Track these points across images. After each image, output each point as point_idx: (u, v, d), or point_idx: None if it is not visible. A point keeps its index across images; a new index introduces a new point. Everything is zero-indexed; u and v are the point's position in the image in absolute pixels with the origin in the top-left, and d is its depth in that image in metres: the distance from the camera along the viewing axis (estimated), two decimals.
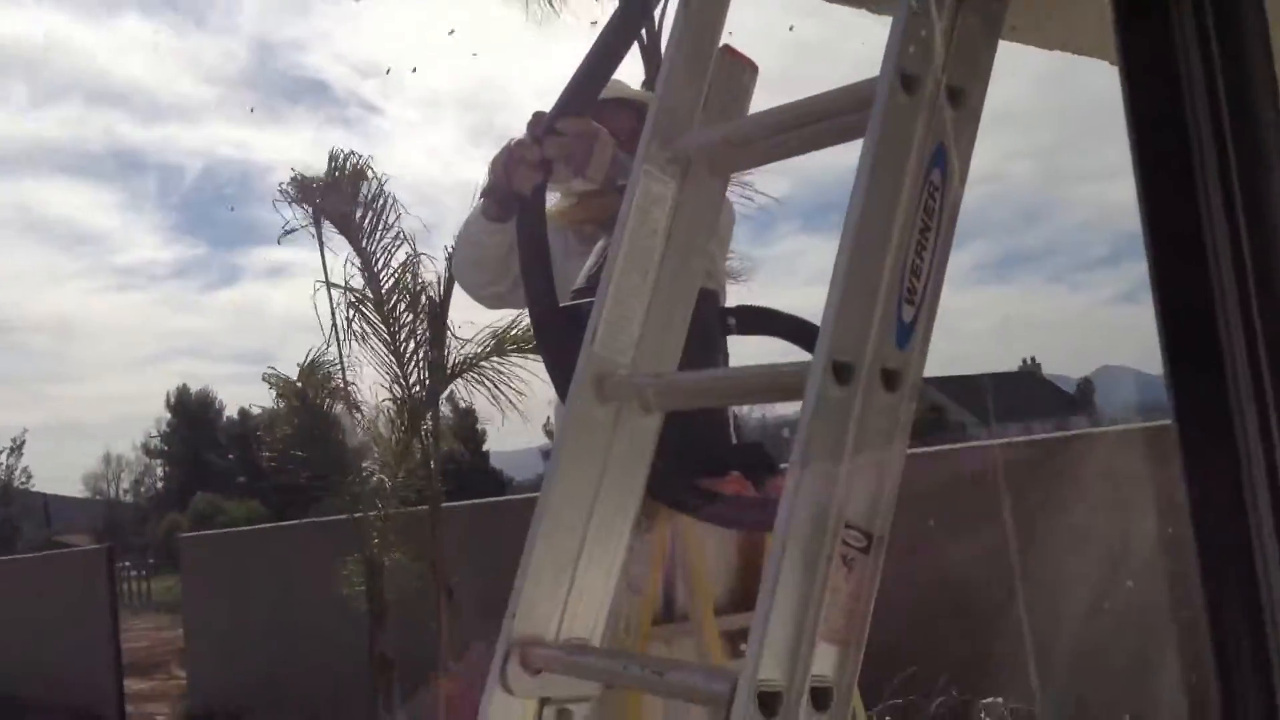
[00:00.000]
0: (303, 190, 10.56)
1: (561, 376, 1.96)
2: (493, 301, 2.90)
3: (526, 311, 2.74)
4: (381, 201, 10.47)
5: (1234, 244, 0.56)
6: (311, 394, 10.84)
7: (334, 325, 10.38)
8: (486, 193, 2.53)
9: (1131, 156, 0.59)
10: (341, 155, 10.60)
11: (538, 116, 2.29)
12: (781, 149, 1.62)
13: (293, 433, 11.07)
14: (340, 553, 10.65)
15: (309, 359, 10.64)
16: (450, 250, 10.83)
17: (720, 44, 1.73)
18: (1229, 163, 0.57)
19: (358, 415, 11.09)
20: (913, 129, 1.31)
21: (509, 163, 2.27)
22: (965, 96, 1.37)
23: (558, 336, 2.08)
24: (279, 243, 10.53)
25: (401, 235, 10.38)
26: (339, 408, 11.09)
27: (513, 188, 2.26)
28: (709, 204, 1.67)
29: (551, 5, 12.61)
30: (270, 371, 10.95)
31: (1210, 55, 0.58)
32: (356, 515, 10.42)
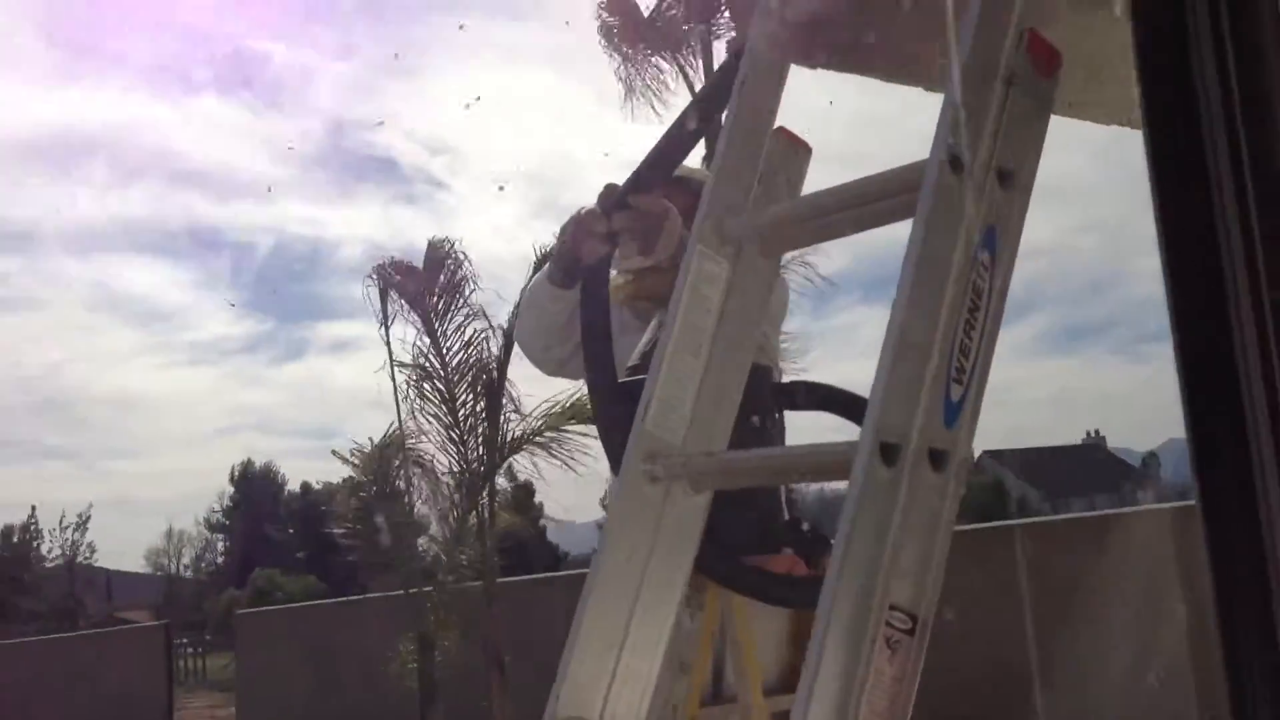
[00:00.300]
0: (392, 273, 10.81)
1: (615, 450, 1.97)
2: (553, 368, 2.91)
3: (583, 383, 2.76)
4: (460, 280, 10.67)
5: (1257, 312, 0.56)
6: (380, 468, 10.96)
7: (397, 400, 10.51)
8: (553, 259, 2.58)
9: (1156, 229, 0.59)
10: (441, 242, 10.85)
11: (609, 189, 2.33)
12: (832, 230, 1.64)
13: (358, 507, 11.19)
14: (395, 629, 10.65)
15: (387, 434, 10.76)
16: (512, 318, 11.04)
17: (775, 125, 1.75)
18: (1254, 240, 0.57)
19: (419, 490, 11.18)
20: (961, 210, 1.31)
21: (577, 232, 2.31)
22: (1015, 176, 1.38)
23: (614, 410, 2.08)
24: (382, 334, 10.75)
25: (474, 311, 10.56)
26: (401, 483, 11.20)
27: (579, 257, 2.29)
28: (761, 284, 1.68)
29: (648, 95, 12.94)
30: (353, 446, 11.11)
31: (1234, 115, 0.58)
32: (412, 591, 10.43)
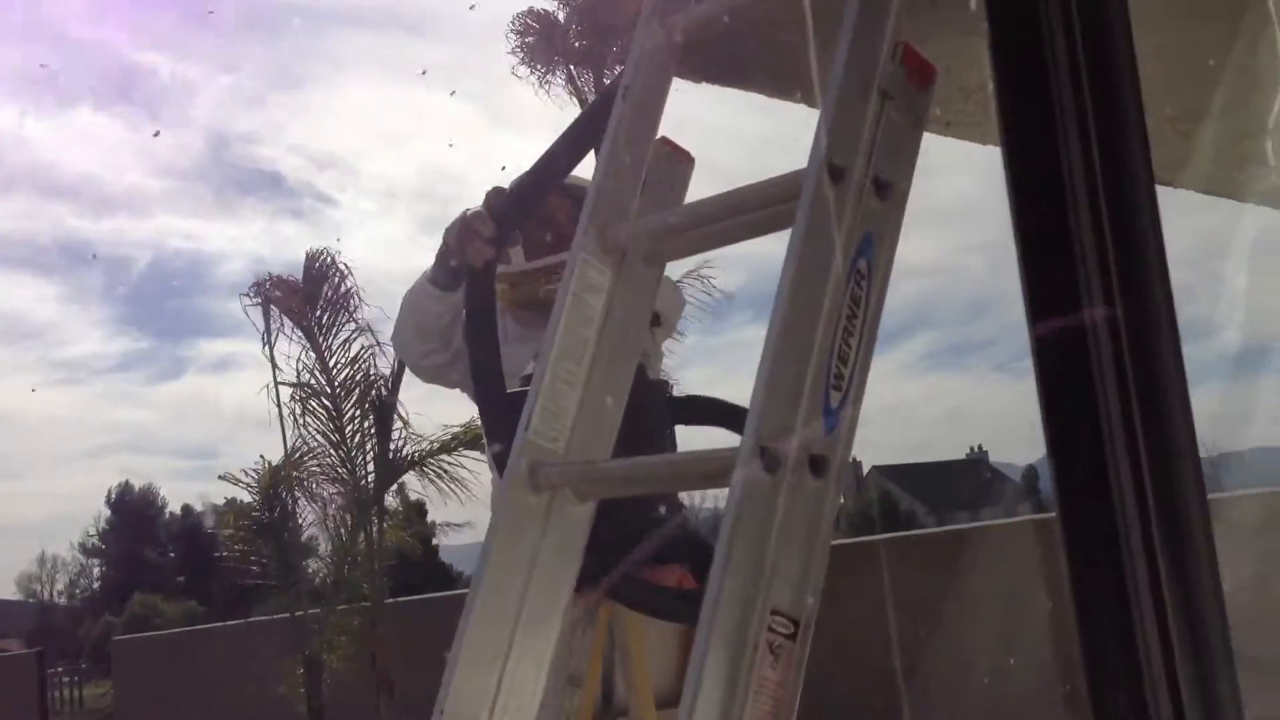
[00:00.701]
0: (270, 289, 10.56)
1: (502, 458, 1.95)
2: (431, 374, 2.84)
3: (472, 399, 2.72)
4: (345, 293, 10.48)
5: (1112, 334, 0.58)
6: (266, 490, 10.71)
7: (281, 419, 10.29)
8: (437, 260, 2.52)
9: (1014, 235, 0.61)
10: (319, 254, 10.62)
11: (496, 191, 2.31)
12: (715, 238, 1.64)
13: (245, 529, 10.91)
14: (282, 652, 10.39)
15: (287, 454, 10.52)
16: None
17: (658, 135, 1.76)
18: (1106, 249, 0.58)
19: (305, 511, 10.96)
20: (840, 218, 1.33)
21: (463, 233, 2.27)
22: (892, 187, 1.40)
23: (501, 415, 2.06)
24: (265, 352, 10.49)
25: (360, 327, 10.39)
26: (289, 503, 10.96)
27: (465, 260, 2.26)
28: (644, 292, 1.68)
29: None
30: (243, 468, 10.85)
31: (1088, 131, 0.60)
32: (299, 614, 10.19)
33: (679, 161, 1.78)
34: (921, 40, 1.75)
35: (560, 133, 2.12)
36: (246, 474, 10.84)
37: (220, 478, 11.09)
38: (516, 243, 2.58)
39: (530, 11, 13.65)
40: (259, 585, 11.28)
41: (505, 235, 2.23)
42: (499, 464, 1.96)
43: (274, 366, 10.42)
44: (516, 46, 13.70)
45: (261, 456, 10.84)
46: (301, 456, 10.37)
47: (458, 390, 2.84)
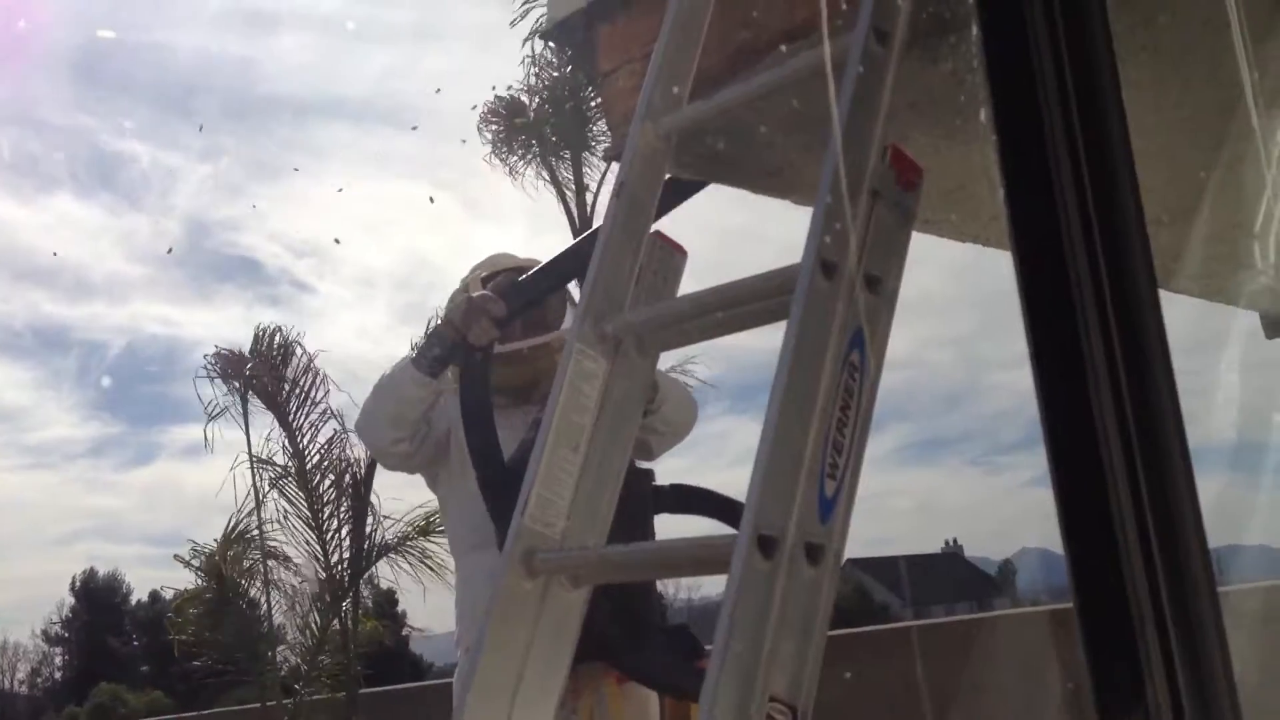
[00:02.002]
0: (228, 365, 10.54)
1: (503, 534, 1.96)
2: (398, 461, 2.78)
3: (430, 487, 2.73)
4: (309, 377, 10.46)
5: (1120, 422, 0.61)
6: (226, 572, 10.53)
7: (257, 501, 10.20)
8: (429, 342, 2.51)
9: (1028, 345, 0.64)
10: (266, 330, 10.63)
11: (507, 276, 2.36)
12: (708, 330, 1.68)
13: (204, 614, 10.70)
14: None
15: (230, 531, 10.40)
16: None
17: (651, 229, 1.81)
18: (1114, 355, 0.62)
19: (275, 596, 10.79)
20: (833, 312, 1.37)
21: (470, 313, 2.30)
22: (882, 282, 1.45)
23: (501, 492, 2.07)
24: (206, 425, 10.44)
25: (329, 411, 10.35)
26: (255, 589, 10.79)
27: (467, 339, 2.28)
28: (638, 381, 1.71)
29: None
30: (194, 548, 10.68)
31: (1091, 230, 0.64)
32: (269, 704, 9.98)
33: (672, 254, 1.83)
34: (902, 141, 1.82)
35: (574, 242, 2.19)
36: (194, 557, 10.69)
37: (175, 557, 10.90)
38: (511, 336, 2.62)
39: (499, 99, 13.68)
40: (225, 675, 11.04)
41: (510, 321, 2.28)
42: (500, 540, 1.97)
43: (249, 439, 10.37)
44: (487, 134, 13.70)
45: (214, 541, 10.72)
46: (245, 534, 10.23)
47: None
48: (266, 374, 10.34)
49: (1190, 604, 0.61)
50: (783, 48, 1.94)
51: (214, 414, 10.44)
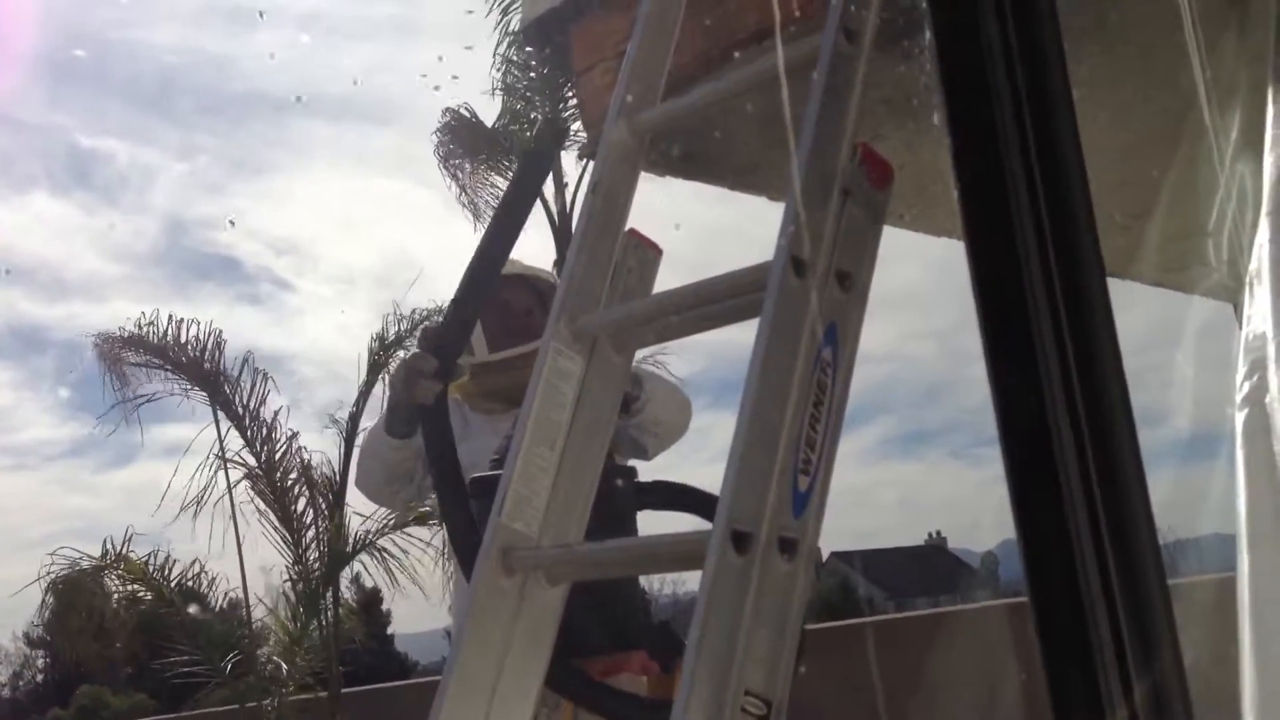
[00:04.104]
0: (113, 348, 10.47)
1: (468, 565, 1.97)
2: (402, 505, 2.96)
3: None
4: (254, 377, 10.42)
5: (1073, 422, 0.63)
6: (188, 581, 10.47)
7: (231, 501, 10.17)
8: (389, 411, 2.60)
9: (982, 339, 0.66)
10: (171, 317, 10.56)
11: (429, 330, 2.40)
12: (682, 328, 1.69)
13: (180, 619, 10.66)
14: None
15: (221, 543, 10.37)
16: (349, 422, 10.82)
17: (626, 227, 1.82)
18: (1065, 347, 0.63)
19: (254, 594, 10.76)
20: (805, 309, 1.39)
21: (407, 377, 2.33)
22: (854, 279, 1.47)
23: (468, 534, 2.08)
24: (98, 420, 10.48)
25: (278, 412, 10.34)
26: (233, 591, 10.76)
27: (415, 402, 2.30)
28: (614, 379, 1.72)
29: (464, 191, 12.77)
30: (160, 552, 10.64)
31: (1042, 226, 0.66)
32: (250, 705, 9.96)
33: (647, 252, 1.84)
34: (875, 138, 1.83)
35: (472, 255, 2.18)
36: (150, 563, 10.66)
37: (142, 564, 10.84)
38: (461, 375, 2.66)
39: (450, 111, 13.21)
40: (208, 675, 10.99)
41: (448, 367, 2.30)
42: (467, 570, 1.98)
43: (222, 447, 10.34)
44: (438, 147, 13.27)
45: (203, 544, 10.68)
46: (240, 540, 10.18)
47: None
48: (187, 362, 10.30)
49: (1141, 596, 0.63)
50: (755, 46, 1.96)
51: (220, 433, 10.40)
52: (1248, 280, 1.49)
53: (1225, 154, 1.53)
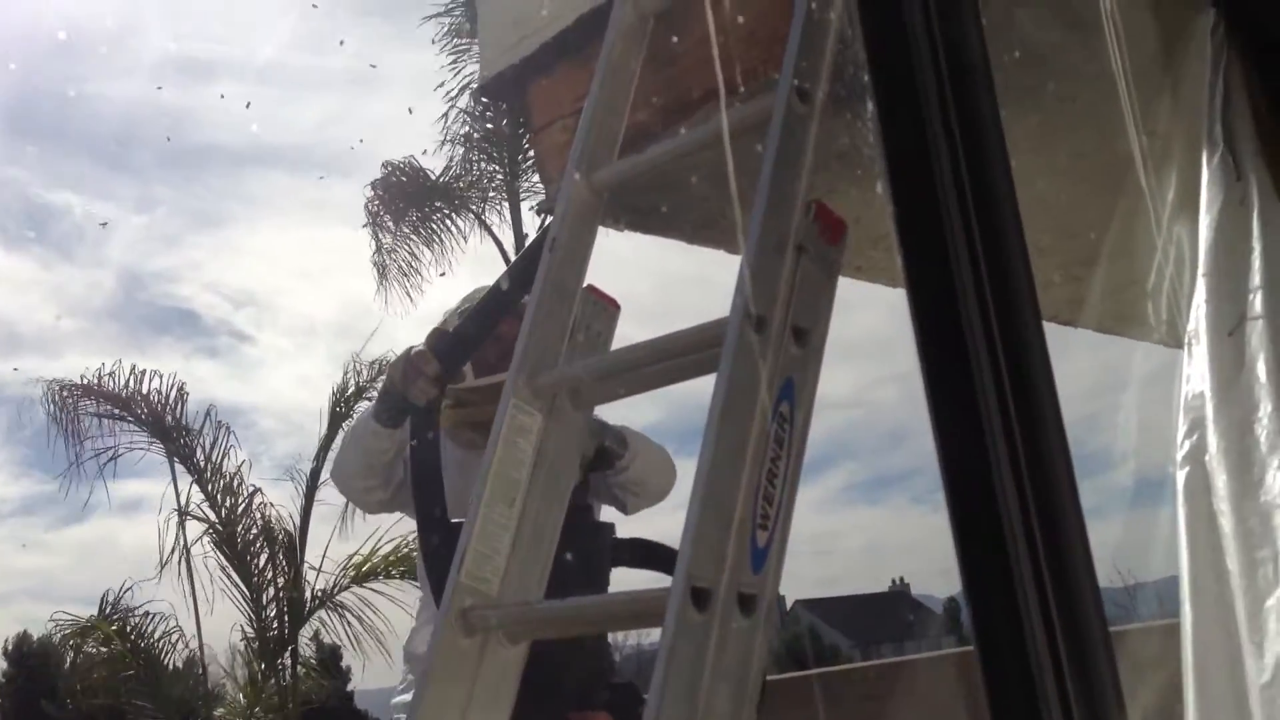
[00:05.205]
0: (68, 396, 10.36)
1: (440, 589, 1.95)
2: (374, 507, 2.86)
3: (385, 535, 2.71)
4: (216, 430, 10.31)
5: (1012, 456, 0.64)
6: (142, 638, 10.27)
7: (187, 556, 10.01)
8: (380, 398, 2.52)
9: (924, 386, 0.67)
10: (134, 367, 10.47)
11: (439, 333, 2.35)
12: (640, 383, 1.70)
13: (132, 678, 10.42)
14: None
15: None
16: (309, 476, 10.71)
17: (584, 283, 1.83)
18: (1005, 394, 0.65)
19: (209, 655, 10.57)
20: (761, 365, 1.40)
21: (407, 373, 2.29)
22: (809, 334, 1.48)
23: (445, 549, 2.06)
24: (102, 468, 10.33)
25: (241, 466, 10.23)
26: (187, 650, 10.56)
27: (408, 399, 2.27)
28: (573, 434, 1.72)
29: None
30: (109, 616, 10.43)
31: (981, 279, 0.67)
32: None
33: (605, 308, 1.85)
34: (831, 192, 1.87)
35: (500, 274, 2.20)
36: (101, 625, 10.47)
37: (90, 621, 10.63)
38: (462, 379, 2.61)
39: (389, 167, 13.02)
40: None
41: (449, 375, 2.27)
42: (439, 598, 1.96)
43: (178, 499, 10.21)
44: (369, 202, 12.98)
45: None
46: (196, 598, 10.01)
47: (369, 518, 2.85)
48: (147, 415, 10.20)
49: (1084, 645, 0.64)
50: (710, 104, 1.98)
51: (101, 456, 10.27)
52: (1186, 340, 1.53)
53: (1163, 215, 1.58)
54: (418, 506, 2.19)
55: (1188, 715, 1.46)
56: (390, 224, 12.87)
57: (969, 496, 0.67)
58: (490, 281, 2.63)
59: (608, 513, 2.80)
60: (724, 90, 1.91)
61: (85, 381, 10.65)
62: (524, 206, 12.86)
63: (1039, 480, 0.66)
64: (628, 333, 1.83)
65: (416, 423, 2.25)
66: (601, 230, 1.93)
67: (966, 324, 0.67)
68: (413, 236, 12.84)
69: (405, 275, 12.86)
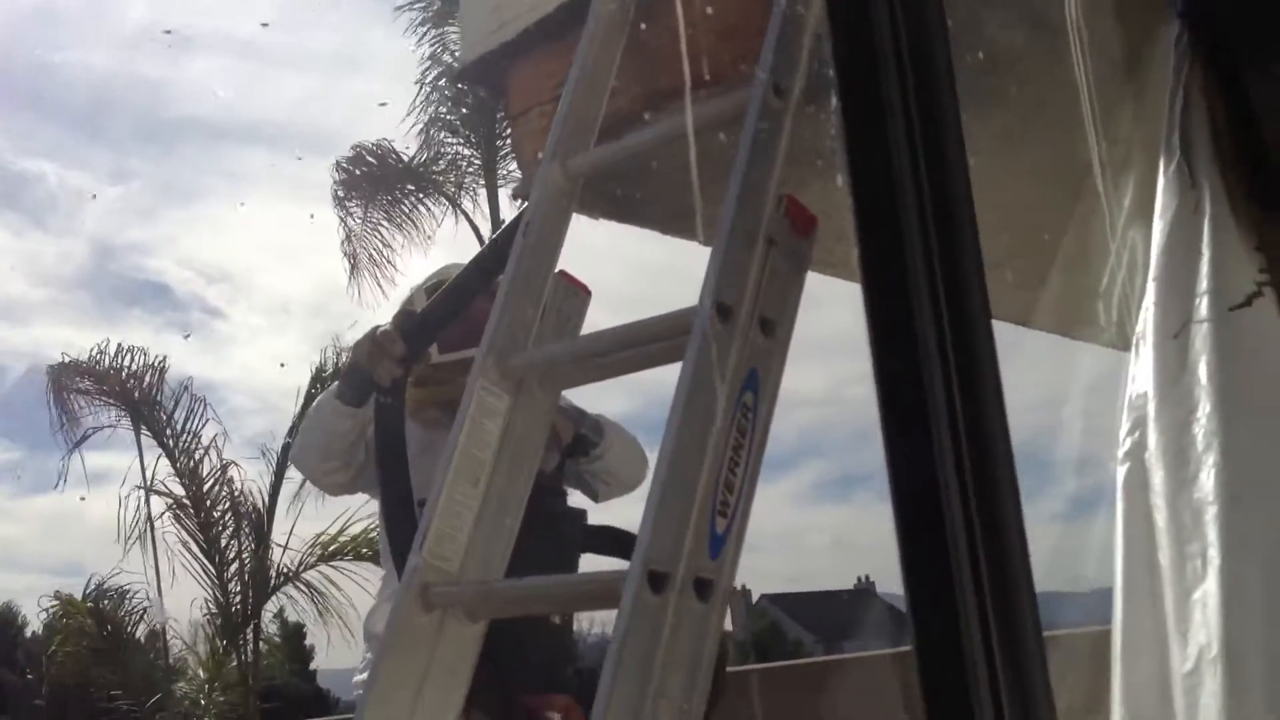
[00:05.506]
0: (66, 376, 10.31)
1: (400, 546, 1.94)
2: (334, 489, 2.82)
3: (354, 515, 2.71)
4: (190, 405, 10.26)
5: (958, 463, 0.66)
6: (110, 610, 10.24)
7: (151, 532, 9.97)
8: (345, 377, 2.49)
9: (875, 379, 0.69)
10: (120, 346, 10.41)
11: (406, 313, 2.34)
12: (609, 369, 1.72)
13: (92, 651, 10.38)
14: None
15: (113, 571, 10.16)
16: (281, 453, 10.63)
17: (557, 268, 1.84)
18: (953, 392, 0.67)
19: (171, 630, 10.53)
20: (727, 354, 1.42)
21: (372, 353, 2.28)
22: (776, 326, 1.50)
23: (408, 527, 2.06)
24: (71, 451, 10.29)
25: (214, 440, 10.19)
26: (147, 624, 10.52)
27: (373, 378, 2.26)
28: (539, 418, 1.74)
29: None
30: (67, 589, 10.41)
31: (934, 272, 0.69)
32: None
33: (576, 294, 1.86)
34: (803, 187, 1.88)
35: (471, 258, 2.20)
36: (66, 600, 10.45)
37: (54, 596, 10.61)
38: (426, 361, 2.60)
39: (359, 148, 12.69)
40: (121, 710, 10.71)
41: (414, 356, 2.26)
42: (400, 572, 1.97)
43: (143, 473, 10.16)
44: (336, 185, 12.62)
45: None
46: (159, 572, 9.97)
47: (338, 499, 2.84)
48: (119, 390, 10.16)
49: (1019, 647, 0.65)
50: (688, 96, 2.00)
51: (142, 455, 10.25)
52: (1134, 341, 1.56)
53: (1119, 220, 1.61)
54: (382, 484, 2.19)
55: (1114, 704, 1.50)
56: (358, 208, 12.55)
57: (913, 494, 0.68)
58: (462, 261, 2.62)
59: (579, 500, 2.81)
60: (701, 82, 1.92)
61: (69, 360, 10.60)
62: (503, 193, 12.71)
63: (982, 481, 0.67)
64: (603, 321, 1.84)
65: (381, 402, 2.24)
66: (578, 219, 1.95)
67: (918, 320, 0.69)
68: (384, 223, 12.53)
69: (377, 264, 12.54)
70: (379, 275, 12.51)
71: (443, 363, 2.67)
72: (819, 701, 7.75)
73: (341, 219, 12.60)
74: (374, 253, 12.49)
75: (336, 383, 2.54)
